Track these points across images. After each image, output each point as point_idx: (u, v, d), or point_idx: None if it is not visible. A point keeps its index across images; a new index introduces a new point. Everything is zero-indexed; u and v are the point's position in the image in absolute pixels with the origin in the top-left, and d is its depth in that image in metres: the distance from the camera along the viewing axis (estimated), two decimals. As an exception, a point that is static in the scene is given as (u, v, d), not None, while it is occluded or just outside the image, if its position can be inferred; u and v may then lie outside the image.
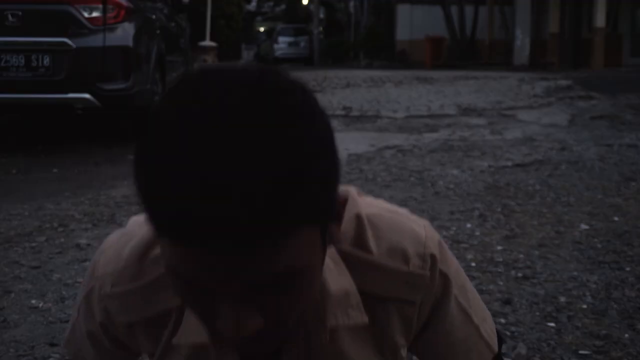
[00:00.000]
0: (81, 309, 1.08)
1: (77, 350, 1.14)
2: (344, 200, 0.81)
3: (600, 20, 17.19)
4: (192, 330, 0.96)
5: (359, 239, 0.99)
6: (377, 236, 0.99)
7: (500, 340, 1.15)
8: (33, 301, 2.50)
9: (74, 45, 5.42)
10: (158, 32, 6.74)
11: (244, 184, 0.66)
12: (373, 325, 1.01)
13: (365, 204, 1.03)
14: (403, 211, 1.06)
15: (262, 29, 35.99)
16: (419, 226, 1.02)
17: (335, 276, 0.97)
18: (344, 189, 1.01)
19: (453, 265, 1.05)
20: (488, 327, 1.11)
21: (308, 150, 0.70)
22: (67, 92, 5.49)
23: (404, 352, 1.09)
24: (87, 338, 1.09)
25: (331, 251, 0.94)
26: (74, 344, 1.15)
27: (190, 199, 0.67)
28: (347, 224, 0.99)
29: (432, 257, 1.00)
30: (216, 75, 0.73)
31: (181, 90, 0.74)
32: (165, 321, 1.00)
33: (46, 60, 5.43)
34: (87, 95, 5.50)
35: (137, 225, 1.05)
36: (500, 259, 2.91)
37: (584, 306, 2.38)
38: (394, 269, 0.98)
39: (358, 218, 1.00)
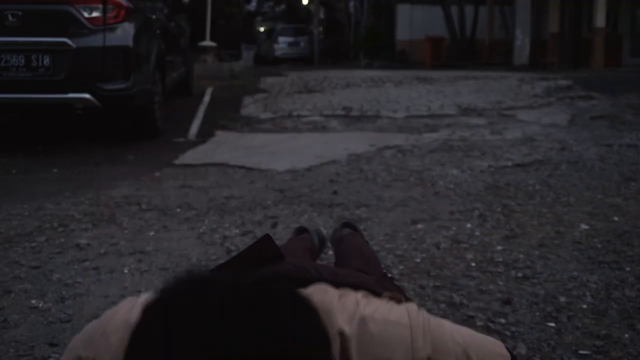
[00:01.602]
0: None
1: None
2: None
3: (600, 20, 17.18)
4: None
5: (343, 357, 0.97)
6: (362, 353, 0.98)
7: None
8: (33, 301, 2.50)
9: (74, 45, 5.42)
10: (158, 32, 6.74)
11: None
12: None
13: (346, 314, 1.01)
14: (383, 311, 1.03)
15: (262, 29, 35.97)
16: (404, 328, 1.01)
17: None
18: (323, 299, 1.00)
19: (447, 343, 1.04)
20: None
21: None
22: (67, 92, 5.49)
23: None
24: None
25: None
26: None
27: None
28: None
29: (427, 357, 0.99)
30: (201, 292, 0.71)
31: (164, 314, 0.71)
32: None
33: (46, 60, 5.43)
34: (87, 95, 5.50)
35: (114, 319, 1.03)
36: (500, 259, 2.91)
37: (584, 306, 2.38)
38: None
39: (341, 335, 0.98)
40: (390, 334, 1.00)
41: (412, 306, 1.06)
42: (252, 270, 0.77)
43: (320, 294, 1.03)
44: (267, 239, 1.27)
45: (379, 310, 1.04)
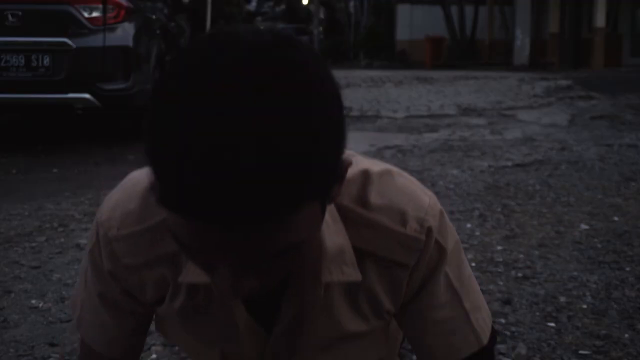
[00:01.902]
0: (88, 269, 1.10)
1: (89, 328, 1.14)
2: (348, 163, 0.82)
3: (600, 20, 17.19)
4: (196, 271, 0.96)
5: (361, 194, 0.99)
6: (381, 193, 0.99)
7: (494, 338, 1.13)
8: (33, 301, 2.50)
9: (74, 45, 5.42)
10: (158, 32, 6.74)
11: (247, 165, 0.66)
12: (363, 283, 1.01)
13: (374, 163, 1.03)
14: (413, 179, 1.06)
15: (262, 29, 35.92)
16: (425, 194, 1.02)
17: (332, 233, 0.97)
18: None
19: (451, 242, 1.04)
20: (480, 317, 1.09)
21: (316, 130, 0.69)
22: (67, 92, 5.49)
23: (387, 317, 1.08)
24: (100, 302, 1.10)
25: (330, 207, 0.93)
26: (84, 322, 1.15)
27: (192, 176, 0.66)
28: (351, 180, 0.98)
29: (430, 226, 0.99)
30: (227, 44, 0.71)
31: (190, 59, 0.72)
32: (171, 262, 1.00)
33: (46, 60, 5.43)
34: (87, 95, 5.50)
35: (139, 173, 1.09)
36: (500, 259, 2.91)
37: (584, 306, 2.38)
38: (389, 228, 0.98)
39: (365, 174, 1.00)
40: (411, 190, 1.01)
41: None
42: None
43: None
44: None
45: (406, 175, 1.06)
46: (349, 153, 0.97)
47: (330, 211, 0.96)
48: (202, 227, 0.70)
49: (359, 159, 1.04)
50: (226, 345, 1.10)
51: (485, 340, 1.10)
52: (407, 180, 1.03)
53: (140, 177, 1.08)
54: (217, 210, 0.67)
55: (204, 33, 0.76)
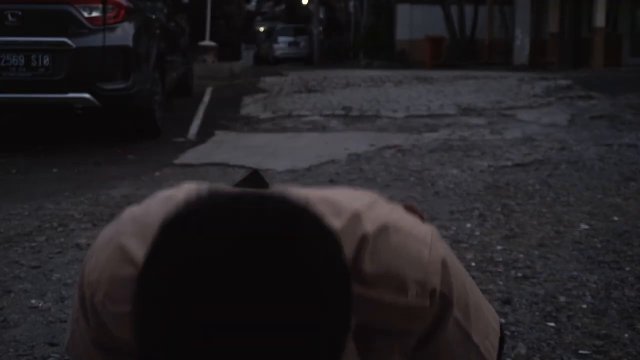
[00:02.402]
0: (79, 314, 1.05)
1: (81, 356, 1.11)
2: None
3: (600, 20, 17.18)
4: None
5: (355, 266, 0.93)
6: (376, 260, 0.94)
7: (502, 344, 1.13)
8: (33, 301, 2.50)
9: (74, 45, 5.42)
10: (158, 32, 6.74)
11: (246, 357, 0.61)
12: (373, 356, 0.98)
13: (371, 214, 0.97)
14: (409, 223, 1.00)
15: (262, 29, 35.98)
16: (424, 246, 0.97)
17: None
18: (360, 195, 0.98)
19: (458, 282, 1.00)
20: (489, 344, 1.08)
21: (324, 336, 0.65)
22: (67, 92, 5.49)
23: None
24: (94, 347, 1.06)
25: None
26: (76, 351, 1.11)
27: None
28: (349, 243, 0.92)
29: (433, 288, 0.95)
30: (225, 217, 0.65)
31: (179, 253, 0.65)
32: None
33: (46, 60, 5.43)
34: (87, 95, 5.50)
35: (131, 222, 1.00)
36: (500, 259, 2.91)
37: (584, 306, 2.38)
38: (390, 303, 0.94)
39: (363, 240, 0.94)
40: (408, 248, 0.95)
41: (435, 230, 1.02)
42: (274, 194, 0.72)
43: (352, 200, 0.99)
44: (255, 174, 1.24)
45: (406, 220, 1.00)
46: (341, 193, 0.95)
47: None
48: None
49: (352, 201, 0.98)
50: None
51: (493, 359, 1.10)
52: (402, 236, 0.97)
53: (126, 231, 0.98)
54: None
55: (195, 197, 0.68)
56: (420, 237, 0.98)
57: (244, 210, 0.66)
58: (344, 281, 0.70)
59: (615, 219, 3.52)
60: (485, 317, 1.09)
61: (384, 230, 0.95)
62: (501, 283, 2.62)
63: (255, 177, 1.08)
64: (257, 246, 0.63)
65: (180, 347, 0.62)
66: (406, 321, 0.96)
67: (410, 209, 1.08)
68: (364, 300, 0.92)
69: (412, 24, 25.11)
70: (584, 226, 3.39)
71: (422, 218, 1.08)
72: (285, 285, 0.63)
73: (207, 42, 15.21)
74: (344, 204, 0.96)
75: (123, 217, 1.03)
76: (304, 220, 0.68)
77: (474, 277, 2.71)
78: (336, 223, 0.89)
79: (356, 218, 0.95)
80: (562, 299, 2.45)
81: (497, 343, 1.11)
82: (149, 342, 0.64)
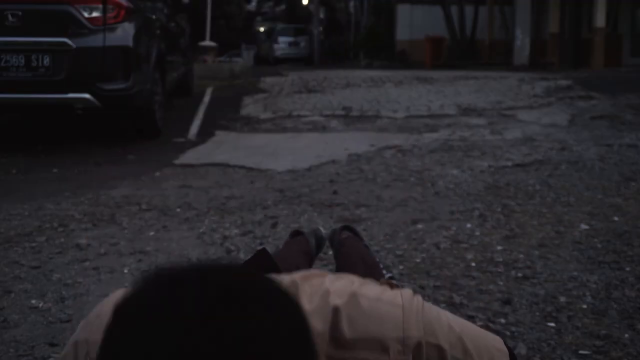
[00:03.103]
0: (69, 355, 1.07)
1: None
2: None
3: (600, 20, 17.18)
4: None
5: (333, 334, 0.97)
6: (352, 325, 0.97)
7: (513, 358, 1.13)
8: (33, 301, 2.50)
9: (74, 45, 5.42)
10: (158, 32, 6.74)
11: None
12: None
13: (335, 288, 1.01)
14: (376, 290, 1.03)
15: (262, 29, 35.98)
16: (395, 306, 1.00)
17: None
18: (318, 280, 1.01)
19: (442, 328, 1.03)
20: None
21: None
22: (67, 92, 5.49)
23: None
24: None
25: None
26: None
27: None
28: (320, 316, 0.97)
29: (415, 341, 0.98)
30: (172, 296, 0.65)
31: (131, 319, 0.66)
32: None
33: (46, 60, 5.43)
34: (87, 95, 5.50)
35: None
36: (500, 259, 2.91)
37: (584, 306, 2.38)
38: None
39: (335, 312, 0.98)
40: (380, 311, 0.99)
41: (407, 290, 1.05)
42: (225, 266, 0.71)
43: (314, 278, 1.04)
44: (263, 253, 1.26)
45: (372, 289, 1.04)
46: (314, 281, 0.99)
47: None
48: None
49: (323, 281, 1.01)
50: None
51: None
52: (372, 301, 1.00)
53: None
54: None
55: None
56: (389, 300, 1.01)
57: (186, 291, 0.65)
58: (304, 344, 0.67)
59: (615, 219, 3.52)
60: (484, 344, 1.10)
61: (352, 298, 1.00)
62: (501, 283, 2.62)
63: (263, 256, 1.13)
64: (203, 328, 0.62)
65: None
66: None
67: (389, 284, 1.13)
68: None
69: (412, 24, 25.12)
70: (584, 226, 3.39)
71: (395, 283, 1.15)
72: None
73: (207, 42, 15.21)
74: (314, 286, 1.02)
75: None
76: (248, 293, 0.66)
77: (473, 277, 2.72)
78: (307, 306, 0.96)
79: (325, 295, 1.00)
80: (562, 299, 2.45)
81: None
82: None
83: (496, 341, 1.11)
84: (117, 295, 1.05)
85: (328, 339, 0.97)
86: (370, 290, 1.03)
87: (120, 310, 0.69)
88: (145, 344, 0.64)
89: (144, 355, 0.63)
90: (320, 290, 1.01)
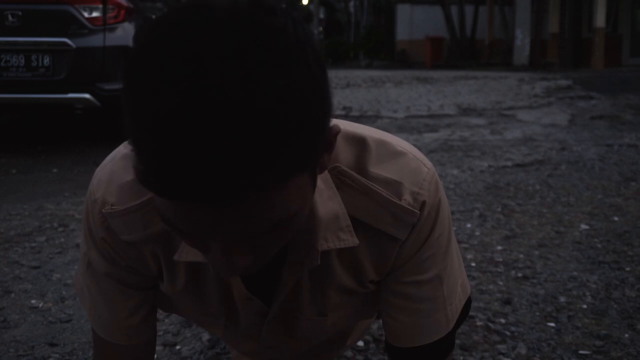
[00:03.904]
0: (90, 250, 1.07)
1: (93, 306, 1.13)
2: (337, 130, 0.79)
3: (600, 20, 17.19)
4: (190, 249, 0.95)
5: (358, 161, 0.98)
6: (378, 163, 0.99)
7: (463, 317, 1.15)
8: (33, 301, 2.50)
9: (74, 45, 5.42)
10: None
11: (223, 130, 0.62)
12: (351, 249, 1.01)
13: (371, 130, 1.04)
14: (411, 148, 1.05)
15: (262, 29, 35.97)
16: (423, 166, 1.02)
17: (325, 199, 0.95)
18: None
19: (443, 217, 1.04)
20: (454, 302, 1.09)
21: (299, 99, 0.66)
22: (67, 92, 5.49)
23: (371, 286, 1.08)
24: (108, 281, 1.08)
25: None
26: (89, 299, 1.13)
27: (166, 145, 0.63)
28: (347, 145, 0.98)
29: (424, 200, 0.99)
30: (203, 11, 0.67)
31: (164, 25, 0.68)
32: (167, 239, 0.99)
33: (46, 60, 5.43)
34: (87, 95, 5.50)
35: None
36: (500, 259, 2.91)
37: (584, 306, 2.38)
38: (385, 198, 0.97)
39: (362, 141, 1.00)
40: (408, 161, 1.01)
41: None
42: None
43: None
44: None
45: (404, 145, 1.06)
46: (340, 122, 0.96)
47: (323, 176, 0.95)
48: (185, 205, 0.67)
49: (354, 125, 1.04)
50: (228, 318, 1.10)
51: (452, 325, 1.10)
52: (404, 151, 1.02)
53: (128, 150, 1.03)
54: (194, 182, 0.64)
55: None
56: (419, 157, 1.03)
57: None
58: (318, 60, 0.71)
59: (615, 219, 3.53)
60: (456, 272, 1.11)
61: (385, 142, 1.02)
62: (501, 283, 2.62)
63: None
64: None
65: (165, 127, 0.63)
66: (393, 223, 0.99)
67: None
68: (360, 188, 0.97)
69: (412, 24, 25.13)
70: (584, 226, 3.40)
71: None
72: (260, 50, 0.65)
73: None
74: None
75: (122, 145, 1.08)
76: (275, 7, 0.70)
77: (474, 277, 2.72)
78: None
79: (353, 129, 1.03)
80: (562, 299, 2.45)
81: (459, 309, 1.12)
82: (134, 107, 0.66)
83: (464, 278, 1.14)
84: (102, 166, 1.07)
85: (352, 162, 0.99)
86: (403, 142, 1.05)
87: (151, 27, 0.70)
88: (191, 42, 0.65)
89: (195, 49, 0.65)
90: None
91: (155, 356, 2.03)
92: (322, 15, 31.91)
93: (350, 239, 0.98)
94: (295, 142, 0.66)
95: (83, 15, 5.47)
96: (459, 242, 3.19)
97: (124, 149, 1.07)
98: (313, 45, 0.72)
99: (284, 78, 0.65)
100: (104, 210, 1.00)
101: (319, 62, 0.71)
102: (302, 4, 35.28)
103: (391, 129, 7.10)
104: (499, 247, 3.08)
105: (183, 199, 0.66)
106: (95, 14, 5.50)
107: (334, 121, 0.80)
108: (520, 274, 2.71)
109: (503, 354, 2.00)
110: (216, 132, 0.62)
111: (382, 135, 1.04)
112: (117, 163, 1.04)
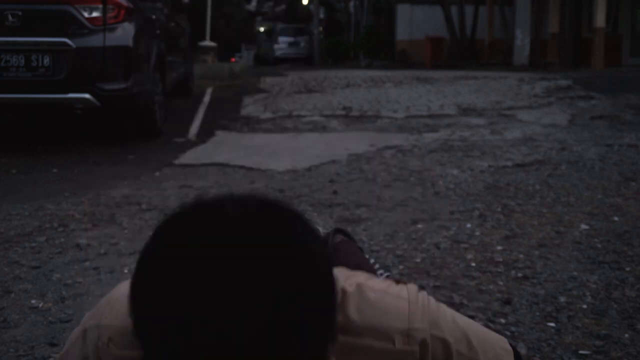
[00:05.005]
0: (77, 342, 1.08)
1: None
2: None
3: (600, 20, 17.18)
4: None
5: (342, 320, 0.97)
6: (360, 313, 0.98)
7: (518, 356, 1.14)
8: (33, 301, 2.50)
9: (74, 45, 5.42)
10: (158, 32, 6.74)
11: (239, 341, 0.63)
12: None
13: (346, 280, 1.03)
14: (382, 284, 1.04)
15: (262, 29, 35.98)
16: (401, 299, 1.01)
17: None
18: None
19: (447, 323, 1.04)
20: None
21: (308, 300, 0.67)
22: (67, 92, 5.49)
23: None
24: None
25: None
26: None
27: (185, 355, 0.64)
28: None
29: (421, 337, 0.99)
30: (212, 209, 0.70)
31: (175, 231, 0.70)
32: None
33: (46, 60, 5.43)
34: (87, 95, 5.50)
35: None
36: (500, 259, 2.91)
37: (584, 306, 2.38)
38: (381, 349, 0.97)
39: (343, 293, 0.99)
40: (387, 303, 1.00)
41: (412, 286, 1.07)
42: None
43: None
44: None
45: (378, 282, 1.05)
46: None
47: None
48: None
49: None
50: None
51: None
52: (379, 293, 1.01)
53: None
54: None
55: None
56: (395, 293, 1.03)
57: (228, 204, 0.71)
58: (325, 255, 0.73)
59: (615, 219, 3.52)
60: (489, 342, 1.10)
61: (359, 288, 1.01)
62: (501, 283, 2.62)
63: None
64: (248, 232, 0.68)
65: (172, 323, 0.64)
66: None
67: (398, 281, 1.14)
68: (356, 347, 0.97)
69: (412, 24, 25.13)
70: (584, 226, 3.39)
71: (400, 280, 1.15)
72: (273, 261, 0.66)
73: (207, 42, 15.20)
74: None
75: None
76: (282, 208, 0.72)
77: (473, 277, 2.72)
78: None
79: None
80: (562, 299, 2.45)
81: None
82: (145, 317, 0.67)
83: (501, 340, 1.12)
84: (124, 285, 1.06)
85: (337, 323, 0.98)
86: (376, 283, 1.05)
87: (169, 219, 0.72)
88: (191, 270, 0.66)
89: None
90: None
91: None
92: (322, 15, 31.91)
93: None
94: (308, 344, 0.67)
95: (83, 15, 5.47)
96: (459, 242, 3.19)
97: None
98: (319, 241, 0.73)
99: (295, 289, 0.66)
100: (99, 343, 1.01)
101: (325, 256, 0.73)
102: (302, 4, 35.28)
103: (391, 129, 7.10)
104: (499, 247, 3.08)
105: None
106: (95, 14, 5.50)
107: None
108: (520, 274, 2.71)
109: None
110: (230, 344, 0.63)
111: (353, 279, 1.03)
112: (124, 304, 1.06)
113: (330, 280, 0.72)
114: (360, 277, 1.05)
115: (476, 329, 1.10)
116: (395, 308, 1.00)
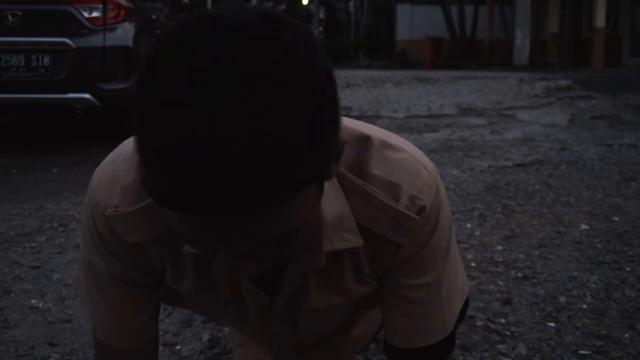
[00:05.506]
0: (91, 253, 1.07)
1: (95, 309, 1.13)
2: (345, 140, 0.79)
3: (600, 20, 17.19)
4: None
5: (358, 163, 0.97)
6: (378, 164, 0.98)
7: (461, 318, 1.15)
8: (33, 301, 2.50)
9: (74, 45, 5.42)
10: (158, 32, 6.74)
11: (236, 153, 0.63)
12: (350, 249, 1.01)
13: (374, 130, 1.02)
14: (414, 149, 1.04)
15: (262, 29, 35.96)
16: (424, 169, 1.01)
17: (331, 200, 0.95)
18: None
19: (444, 221, 1.03)
20: (452, 307, 1.09)
21: (310, 121, 0.66)
22: (67, 92, 5.49)
23: (371, 281, 1.08)
24: (112, 284, 1.08)
25: None
26: (90, 303, 1.14)
27: (177, 165, 0.64)
28: (349, 145, 0.96)
29: (423, 205, 0.98)
30: (217, 24, 0.68)
31: (176, 45, 0.69)
32: (172, 234, 1.00)
33: (46, 60, 5.43)
34: (87, 95, 5.49)
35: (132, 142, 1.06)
36: (500, 259, 2.91)
37: (584, 306, 2.38)
38: (382, 201, 0.97)
39: (364, 141, 0.98)
40: (409, 164, 1.00)
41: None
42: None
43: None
44: None
45: (409, 145, 1.06)
46: (344, 119, 0.97)
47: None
48: (195, 219, 0.68)
49: (358, 123, 1.03)
50: (237, 308, 1.11)
51: (449, 330, 1.10)
52: (406, 153, 1.01)
53: (130, 149, 1.03)
54: (205, 200, 0.65)
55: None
56: (421, 160, 1.02)
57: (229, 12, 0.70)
58: (329, 76, 0.74)
59: (615, 219, 3.53)
60: (455, 276, 1.11)
61: (387, 142, 1.01)
62: (501, 283, 2.62)
63: None
64: (247, 36, 0.67)
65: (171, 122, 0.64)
66: (390, 226, 0.99)
67: None
68: (358, 191, 0.97)
69: (412, 24, 25.14)
70: (584, 226, 3.39)
71: None
72: (273, 72, 0.66)
73: (207, 42, 15.23)
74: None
75: (123, 144, 1.09)
76: (287, 24, 0.72)
77: (473, 277, 2.72)
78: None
79: (356, 127, 1.01)
80: (562, 299, 2.45)
81: (457, 313, 1.12)
82: (145, 125, 0.67)
83: (465, 284, 1.14)
84: (100, 170, 1.06)
85: (352, 164, 0.98)
86: (408, 146, 1.05)
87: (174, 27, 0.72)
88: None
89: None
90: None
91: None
92: (322, 15, 31.91)
93: (354, 240, 0.98)
94: (306, 162, 0.66)
95: (83, 15, 5.47)
96: (459, 242, 3.19)
97: (124, 149, 1.07)
98: (323, 61, 0.74)
99: (295, 101, 0.65)
100: (107, 213, 1.00)
101: (329, 76, 0.73)
102: (302, 4, 35.27)
103: (391, 129, 7.08)
104: (499, 247, 3.08)
105: (192, 215, 0.67)
106: (95, 14, 5.50)
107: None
108: (520, 274, 2.71)
109: (503, 354, 2.00)
110: (228, 157, 0.63)
111: (385, 135, 1.03)
112: (119, 164, 1.03)
113: (333, 105, 0.72)
114: (393, 137, 1.05)
115: (456, 259, 1.11)
116: (416, 172, 0.99)
